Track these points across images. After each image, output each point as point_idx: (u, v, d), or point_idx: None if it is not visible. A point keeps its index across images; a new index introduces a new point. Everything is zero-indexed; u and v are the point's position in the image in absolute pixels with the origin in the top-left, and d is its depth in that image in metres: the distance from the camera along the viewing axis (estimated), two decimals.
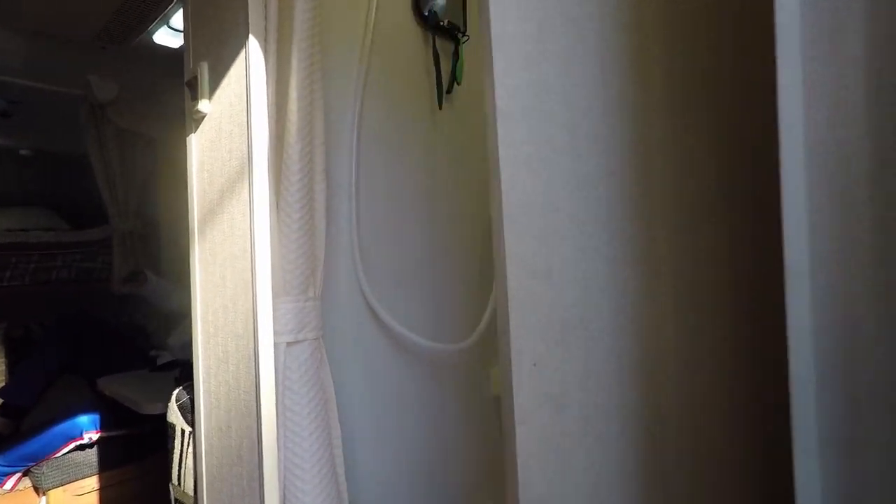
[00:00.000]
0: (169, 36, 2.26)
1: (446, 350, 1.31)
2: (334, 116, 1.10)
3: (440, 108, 1.34)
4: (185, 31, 1.02)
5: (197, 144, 0.99)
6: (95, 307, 2.44)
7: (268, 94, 0.88)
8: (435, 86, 1.33)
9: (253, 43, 0.86)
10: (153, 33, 2.29)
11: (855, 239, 0.30)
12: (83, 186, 3.08)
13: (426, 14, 1.32)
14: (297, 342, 0.90)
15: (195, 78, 0.97)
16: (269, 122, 0.88)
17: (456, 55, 1.38)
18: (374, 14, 1.20)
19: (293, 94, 0.87)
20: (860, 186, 0.30)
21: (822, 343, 0.31)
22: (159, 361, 1.93)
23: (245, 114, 0.87)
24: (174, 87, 1.22)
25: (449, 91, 1.37)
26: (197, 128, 0.99)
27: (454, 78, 1.36)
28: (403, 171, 1.25)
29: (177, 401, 1.04)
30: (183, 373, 1.52)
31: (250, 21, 0.85)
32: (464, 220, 1.41)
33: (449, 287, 1.36)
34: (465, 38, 1.40)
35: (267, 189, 0.86)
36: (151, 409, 1.44)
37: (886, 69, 0.29)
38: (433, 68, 1.33)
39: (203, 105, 0.95)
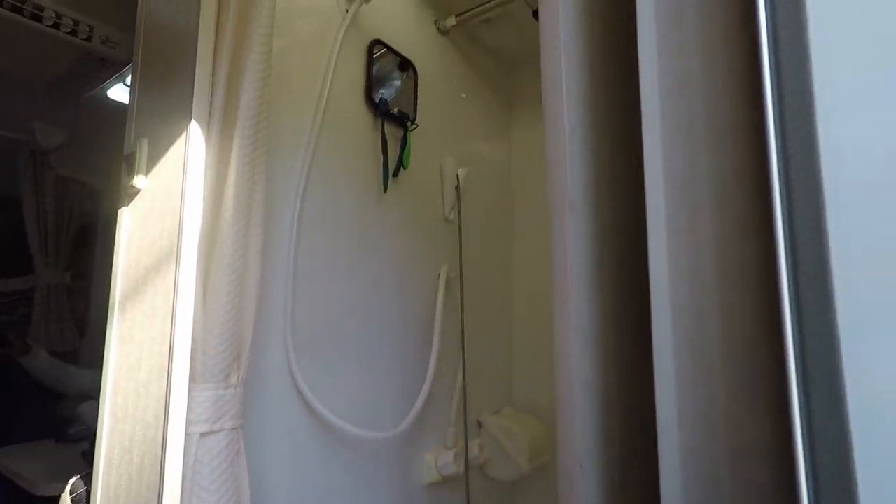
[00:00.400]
0: (123, 92, 2.25)
1: (380, 437, 1.27)
2: (277, 197, 1.11)
3: (385, 191, 1.37)
4: (130, 105, 1.02)
5: (128, 219, 0.97)
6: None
7: (205, 177, 0.89)
8: (382, 169, 1.37)
9: (195, 127, 0.87)
10: (107, 89, 2.27)
11: (712, 398, 0.33)
12: (9, 232, 2.91)
13: (377, 101, 1.38)
14: (212, 433, 0.85)
15: (134, 153, 0.96)
16: (204, 206, 0.87)
17: (404, 141, 1.43)
18: (325, 98, 1.25)
19: (231, 178, 0.88)
20: (714, 350, 0.33)
21: (690, 498, 0.33)
22: (71, 429, 1.77)
23: (180, 195, 0.86)
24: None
25: (395, 174, 1.41)
26: (130, 202, 0.97)
27: (401, 162, 1.41)
28: (344, 254, 1.26)
29: (71, 493, 0.95)
30: (93, 447, 1.40)
31: (194, 105, 0.87)
32: (403, 304, 1.41)
33: (385, 371, 1.35)
34: (414, 125, 1.47)
35: (194, 273, 0.84)
36: (48, 490, 1.30)
37: (730, 249, 0.33)
38: (381, 153, 1.38)
39: (138, 180, 0.94)
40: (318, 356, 1.16)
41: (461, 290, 1.58)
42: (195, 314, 0.84)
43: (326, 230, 1.23)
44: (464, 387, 1.55)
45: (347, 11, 1.34)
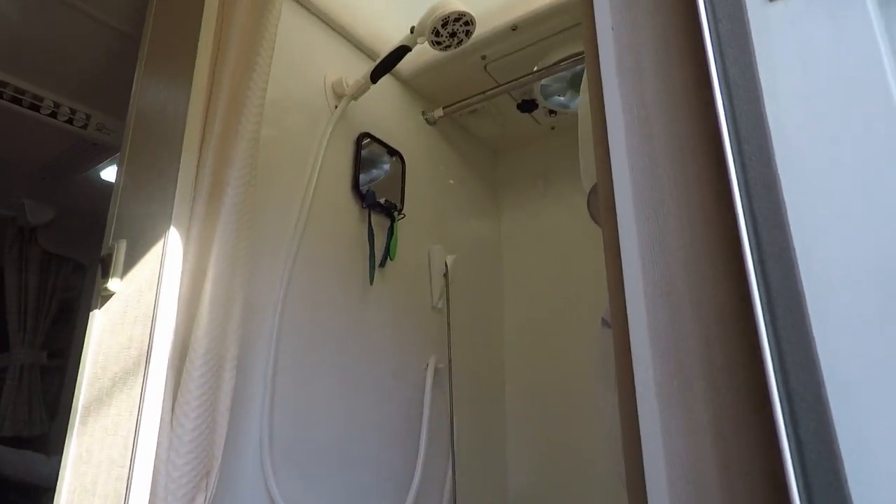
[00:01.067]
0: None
1: None
2: (258, 297, 1.07)
3: (371, 283, 1.34)
4: (112, 205, 1.00)
5: (99, 322, 0.92)
6: None
7: (182, 285, 0.85)
8: (368, 261, 1.35)
9: (173, 233, 0.85)
10: (101, 170, 2.29)
11: None
12: None
13: (364, 192, 1.38)
14: None
15: (110, 255, 0.93)
16: (178, 315, 0.83)
17: (391, 231, 1.42)
18: (312, 191, 1.24)
19: (208, 286, 0.84)
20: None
21: None
22: None
23: (153, 304, 0.82)
24: None
25: (382, 265, 1.39)
26: (102, 305, 0.93)
27: (388, 253, 1.39)
28: (328, 353, 1.21)
29: None
30: None
31: (174, 212, 0.85)
32: (389, 401, 1.34)
33: (371, 474, 1.26)
34: (401, 215, 1.46)
35: (162, 388, 0.79)
36: None
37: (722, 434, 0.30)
38: (367, 244, 1.36)
39: (113, 284, 0.91)
40: (298, 466, 1.08)
41: (450, 381, 1.52)
42: (161, 431, 0.78)
43: (309, 329, 1.18)
44: (454, 486, 1.45)
45: (336, 107, 1.37)
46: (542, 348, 1.76)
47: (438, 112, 1.68)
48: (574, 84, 1.59)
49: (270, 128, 1.19)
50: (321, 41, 1.39)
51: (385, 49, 1.38)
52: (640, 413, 0.34)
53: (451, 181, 1.78)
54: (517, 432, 1.74)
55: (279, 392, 1.07)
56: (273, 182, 1.18)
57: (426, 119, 1.70)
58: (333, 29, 1.42)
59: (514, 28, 1.40)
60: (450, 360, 1.54)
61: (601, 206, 0.45)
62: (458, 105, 1.65)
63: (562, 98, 1.66)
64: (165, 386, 0.79)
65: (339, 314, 1.26)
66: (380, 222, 1.42)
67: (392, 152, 1.51)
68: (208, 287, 0.85)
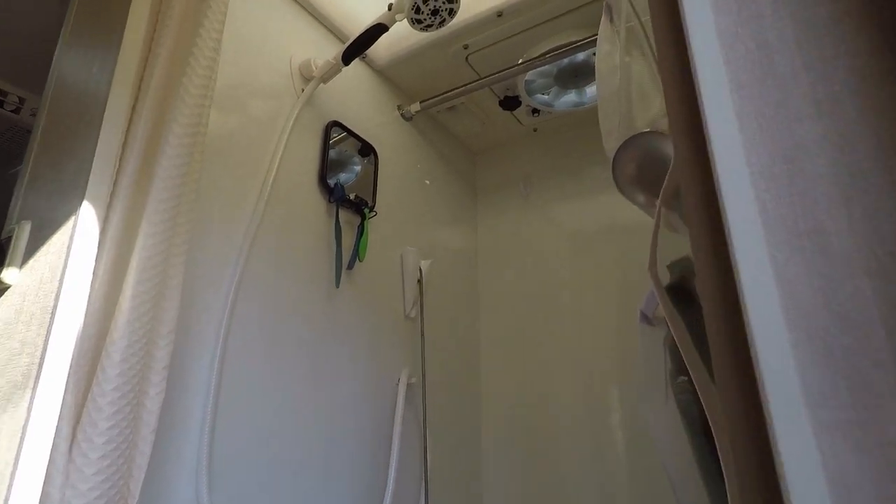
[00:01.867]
0: None
1: None
2: (200, 293, 0.90)
3: (337, 286, 1.18)
4: (18, 184, 0.82)
5: None
6: None
7: (98, 277, 0.67)
8: (334, 261, 1.19)
9: (86, 213, 0.67)
10: None
11: None
12: None
13: (332, 186, 1.22)
14: None
15: (10, 239, 0.74)
16: (90, 314, 0.65)
17: (360, 230, 1.26)
18: (272, 180, 1.08)
19: (131, 279, 0.67)
20: None
21: None
22: None
23: (54, 296, 0.64)
24: None
25: (350, 267, 1.23)
26: None
27: (357, 254, 1.23)
28: (285, 362, 1.03)
29: None
30: None
31: (88, 190, 0.68)
32: (356, 419, 1.17)
33: (335, 500, 1.07)
34: (373, 213, 1.31)
35: (58, 405, 0.60)
36: None
37: None
38: (334, 243, 1.20)
39: (9, 274, 0.72)
40: (245, 497, 0.89)
41: (423, 397, 1.36)
42: (53, 463, 0.60)
43: (264, 335, 1.00)
44: None
45: (303, 90, 1.21)
46: (521, 362, 1.62)
47: (415, 106, 1.55)
48: (560, 80, 1.49)
49: (228, 113, 1.03)
50: (288, 20, 1.24)
51: (359, 31, 1.24)
52: (774, 427, 0.21)
53: (428, 181, 1.64)
54: (495, 453, 1.58)
55: (224, 409, 0.89)
56: (228, 170, 1.01)
57: (402, 114, 1.57)
58: (302, 6, 1.28)
59: (499, 14, 1.29)
60: (423, 375, 1.37)
61: (673, 128, 0.31)
62: (436, 99, 1.52)
63: (546, 96, 1.55)
64: (63, 403, 0.61)
65: (300, 319, 1.09)
66: (349, 219, 1.27)
67: (364, 145, 1.36)
68: (131, 280, 0.67)
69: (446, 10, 1.11)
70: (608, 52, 0.78)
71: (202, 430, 0.85)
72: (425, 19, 1.12)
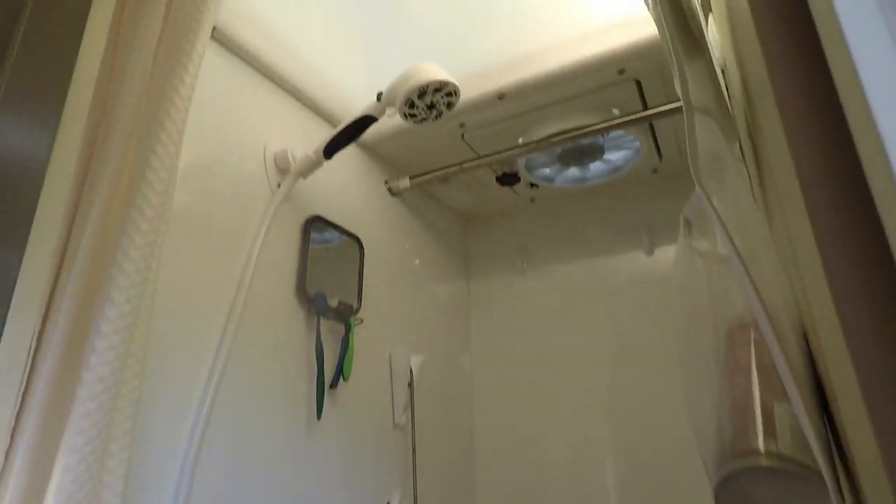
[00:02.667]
0: None
1: None
2: (157, 440, 0.73)
3: (319, 418, 1.01)
4: None
5: None
6: None
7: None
8: (315, 386, 1.02)
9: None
10: None
11: None
12: None
13: (313, 296, 1.06)
14: None
15: None
16: None
17: (345, 343, 1.10)
18: (242, 299, 0.91)
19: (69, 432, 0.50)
20: None
21: None
22: None
23: None
24: None
25: (333, 386, 1.07)
26: None
27: (340, 372, 1.07)
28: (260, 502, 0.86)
29: None
30: None
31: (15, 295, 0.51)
32: None
33: None
34: (359, 321, 1.15)
35: None
36: None
37: None
38: (315, 364, 1.03)
39: None
40: None
41: None
42: None
43: (235, 474, 0.83)
44: None
45: (280, 186, 1.05)
46: (520, 464, 1.48)
47: (404, 182, 1.40)
48: (563, 159, 1.35)
49: (187, 221, 0.86)
50: (262, 99, 1.08)
51: (343, 111, 1.09)
52: None
53: (417, 261, 1.48)
54: None
55: None
56: (190, 278, 0.84)
57: (389, 189, 1.41)
58: (278, 85, 1.12)
59: (500, 97, 1.15)
60: (415, 495, 1.22)
61: None
62: (428, 176, 1.38)
63: (547, 171, 1.42)
64: None
65: (277, 452, 0.92)
66: (332, 328, 1.10)
67: (348, 238, 1.21)
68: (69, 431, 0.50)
69: (444, 103, 0.97)
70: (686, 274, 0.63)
71: None
72: (420, 114, 0.97)
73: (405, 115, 0.97)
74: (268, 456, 0.91)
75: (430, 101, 0.95)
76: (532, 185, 1.51)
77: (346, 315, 1.12)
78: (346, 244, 1.20)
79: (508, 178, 1.43)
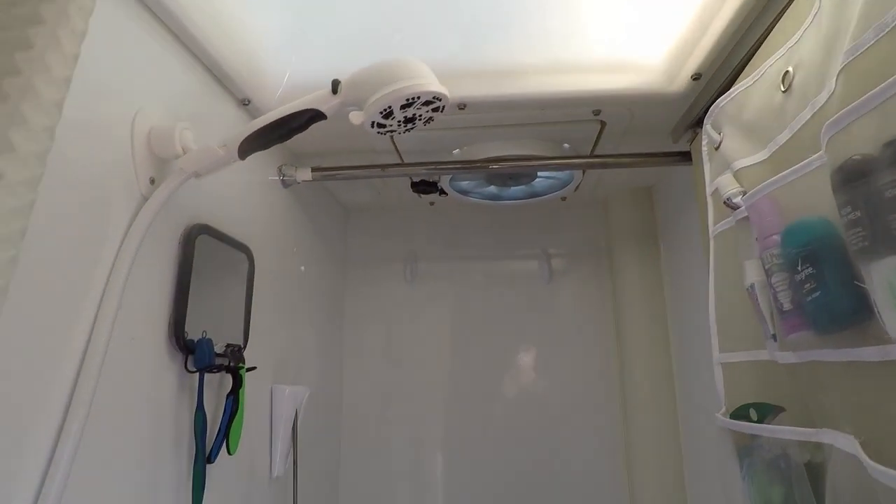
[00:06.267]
0: None
1: None
2: None
3: None
4: None
5: None
6: None
7: None
8: (192, 467, 0.72)
9: None
10: None
11: None
12: None
13: (194, 343, 0.73)
14: None
15: None
16: None
17: (234, 406, 0.80)
18: (100, 347, 0.56)
19: None
20: None
21: None
22: None
23: None
24: None
25: (210, 461, 0.77)
26: None
27: (224, 442, 0.78)
28: None
29: None
30: None
31: None
32: None
33: None
34: (251, 367, 0.85)
35: None
36: None
37: None
38: (195, 442, 0.73)
39: None
40: None
41: None
42: None
43: None
44: None
45: (152, 181, 0.68)
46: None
47: (304, 174, 1.08)
48: (490, 176, 1.22)
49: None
50: (145, 45, 0.67)
51: (268, 94, 0.76)
52: None
53: (303, 267, 1.20)
54: None
55: None
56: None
57: (283, 179, 1.08)
58: (176, 36, 0.71)
59: (461, 107, 0.94)
60: None
61: None
62: (338, 172, 1.09)
63: (465, 184, 1.27)
64: None
65: None
66: (214, 379, 0.80)
67: (237, 251, 0.88)
68: None
69: (426, 118, 0.73)
70: None
71: None
72: (392, 126, 0.72)
73: (374, 123, 0.70)
74: None
75: (412, 113, 0.70)
76: (442, 192, 1.34)
77: (234, 362, 0.81)
78: (233, 260, 0.88)
79: (426, 187, 1.23)
